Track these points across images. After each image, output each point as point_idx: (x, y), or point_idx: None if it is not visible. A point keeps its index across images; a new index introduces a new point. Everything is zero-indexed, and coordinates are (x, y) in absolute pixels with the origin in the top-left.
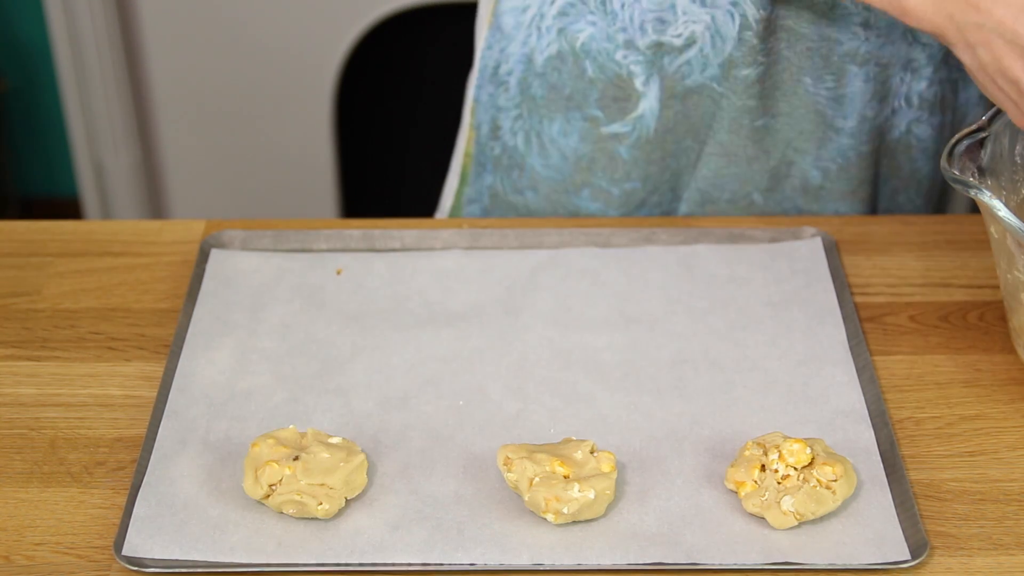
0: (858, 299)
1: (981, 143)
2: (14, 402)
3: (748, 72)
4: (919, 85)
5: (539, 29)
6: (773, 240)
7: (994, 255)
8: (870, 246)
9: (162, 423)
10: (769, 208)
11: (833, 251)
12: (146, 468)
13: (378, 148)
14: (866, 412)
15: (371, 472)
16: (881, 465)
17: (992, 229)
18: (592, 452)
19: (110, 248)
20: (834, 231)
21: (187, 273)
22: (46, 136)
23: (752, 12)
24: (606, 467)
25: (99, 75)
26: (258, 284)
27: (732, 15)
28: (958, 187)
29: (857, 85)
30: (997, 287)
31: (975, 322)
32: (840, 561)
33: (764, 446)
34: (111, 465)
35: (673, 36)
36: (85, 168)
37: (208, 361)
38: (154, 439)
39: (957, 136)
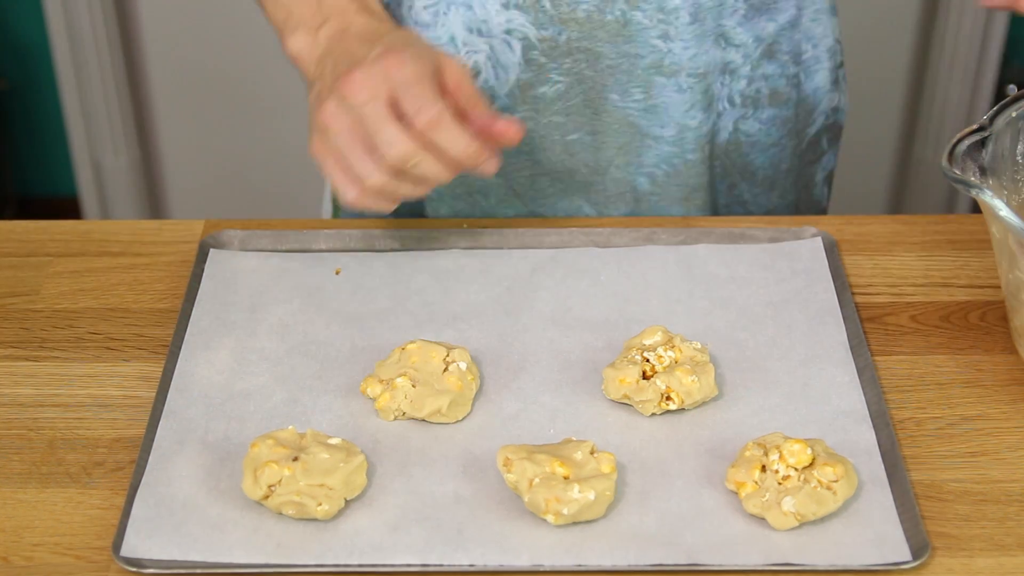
0: (859, 299)
1: (982, 143)
2: (12, 402)
3: (545, 90)
4: (739, 84)
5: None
6: (773, 240)
7: (995, 255)
8: (871, 246)
9: (160, 423)
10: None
11: (834, 251)
12: (144, 468)
13: None
14: (867, 412)
15: (370, 472)
16: (882, 465)
17: (993, 229)
18: (592, 453)
19: (109, 248)
20: (835, 231)
21: (186, 273)
22: (45, 136)
23: (533, 32)
24: (606, 468)
25: (98, 75)
26: (257, 284)
27: (509, 43)
28: (959, 187)
29: (669, 95)
30: (999, 287)
31: (976, 322)
32: (841, 562)
33: (765, 447)
34: (110, 465)
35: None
36: (84, 168)
37: (207, 362)
38: (152, 439)
39: (959, 135)
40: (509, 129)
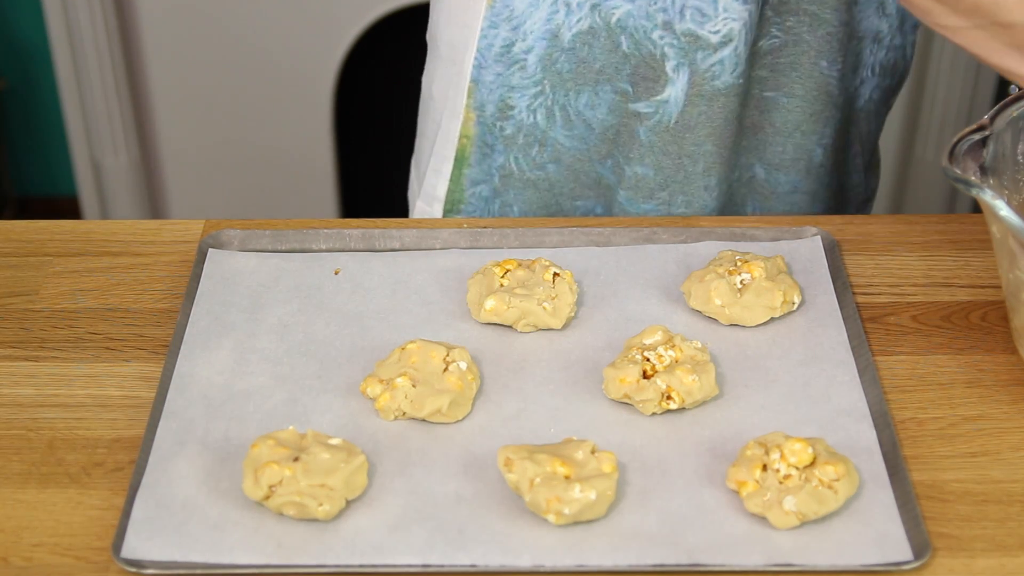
0: (860, 299)
1: (983, 142)
2: (12, 403)
3: (762, 43)
4: (881, 54)
5: (568, 6)
6: (774, 240)
7: (996, 255)
8: (872, 246)
9: (160, 424)
10: (769, 186)
11: (834, 251)
12: (144, 469)
13: (377, 148)
14: (868, 412)
15: (371, 473)
16: (883, 465)
17: (994, 228)
18: (593, 452)
19: (108, 248)
20: (835, 231)
21: (185, 273)
22: (44, 136)
23: None
24: (607, 467)
25: (97, 74)
26: (256, 284)
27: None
28: (960, 186)
29: (867, 68)
30: (999, 287)
31: (978, 322)
32: (842, 561)
33: (766, 446)
34: (109, 466)
35: (710, 31)
36: (83, 168)
37: (206, 362)
38: (152, 440)
39: (959, 135)
40: None
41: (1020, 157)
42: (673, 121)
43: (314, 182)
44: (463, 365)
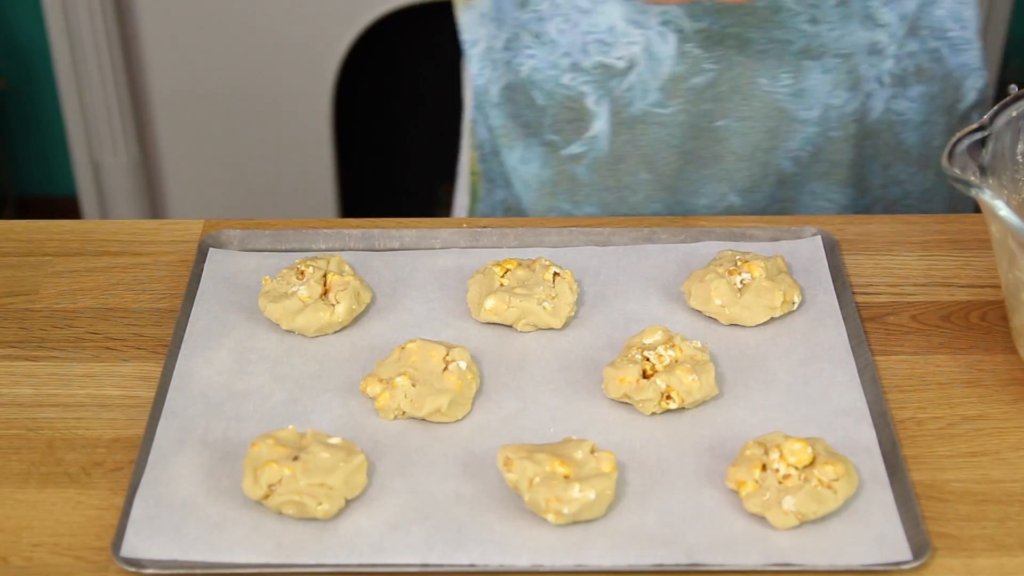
0: (860, 299)
1: (982, 142)
2: (11, 402)
3: (698, 80)
4: (886, 64)
5: (492, 61)
6: (774, 239)
7: (995, 255)
8: (872, 245)
9: (160, 423)
10: (747, 207)
11: (834, 250)
12: (144, 468)
13: (377, 148)
14: (867, 412)
15: (370, 472)
16: (883, 464)
17: (993, 228)
18: (592, 452)
19: (108, 248)
20: (835, 231)
21: (185, 273)
22: (43, 135)
23: (689, 25)
24: (606, 467)
25: (97, 74)
26: (256, 284)
27: (664, 35)
28: (959, 186)
29: (816, 77)
30: (999, 287)
31: (977, 322)
32: (842, 561)
33: (765, 445)
34: (109, 465)
35: (616, 58)
36: (83, 167)
37: (206, 361)
38: (152, 439)
39: (958, 135)
40: None
41: (1019, 157)
42: (606, 154)
43: (314, 182)
44: (463, 364)
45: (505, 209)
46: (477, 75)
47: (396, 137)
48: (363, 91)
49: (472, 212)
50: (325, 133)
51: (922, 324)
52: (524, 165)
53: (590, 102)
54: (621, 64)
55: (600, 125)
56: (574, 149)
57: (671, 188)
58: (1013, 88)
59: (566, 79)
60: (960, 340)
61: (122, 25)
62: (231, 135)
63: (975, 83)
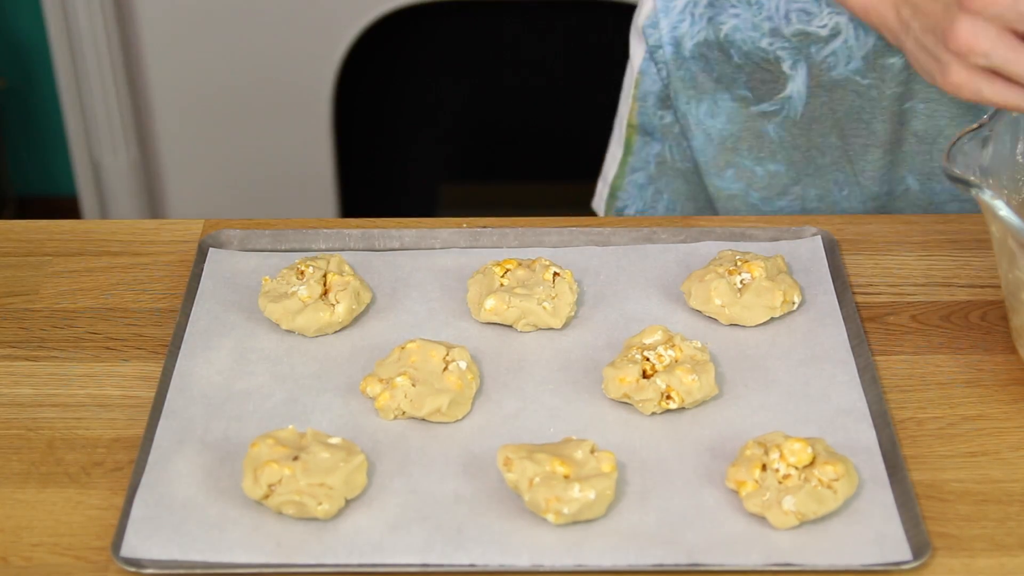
0: (860, 299)
1: (983, 142)
2: (11, 402)
3: (894, 60)
4: None
5: (692, 15)
6: (773, 239)
7: (996, 254)
8: (872, 246)
9: (160, 423)
10: (924, 194)
11: (834, 250)
12: (144, 468)
13: (377, 148)
14: (867, 412)
15: (370, 472)
16: (883, 465)
17: (993, 228)
18: (592, 452)
19: (108, 248)
20: (835, 231)
21: (185, 273)
22: (43, 135)
23: None
24: (606, 467)
25: (97, 74)
26: (256, 284)
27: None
28: (959, 186)
29: None
30: (999, 287)
31: (977, 322)
32: (842, 561)
33: (765, 445)
34: (109, 465)
35: (818, 27)
36: (82, 167)
37: (206, 361)
38: (152, 439)
39: (958, 135)
40: None
41: (1019, 157)
42: (799, 115)
43: (314, 182)
44: (463, 364)
45: (658, 163)
46: (674, 26)
47: (396, 137)
48: (363, 91)
49: (623, 164)
50: (325, 133)
51: (922, 324)
52: (711, 119)
53: (786, 66)
54: (824, 32)
55: (795, 86)
56: (765, 107)
57: (855, 161)
58: None
59: (764, 43)
60: (960, 340)
61: (122, 25)
62: (231, 135)
63: None
